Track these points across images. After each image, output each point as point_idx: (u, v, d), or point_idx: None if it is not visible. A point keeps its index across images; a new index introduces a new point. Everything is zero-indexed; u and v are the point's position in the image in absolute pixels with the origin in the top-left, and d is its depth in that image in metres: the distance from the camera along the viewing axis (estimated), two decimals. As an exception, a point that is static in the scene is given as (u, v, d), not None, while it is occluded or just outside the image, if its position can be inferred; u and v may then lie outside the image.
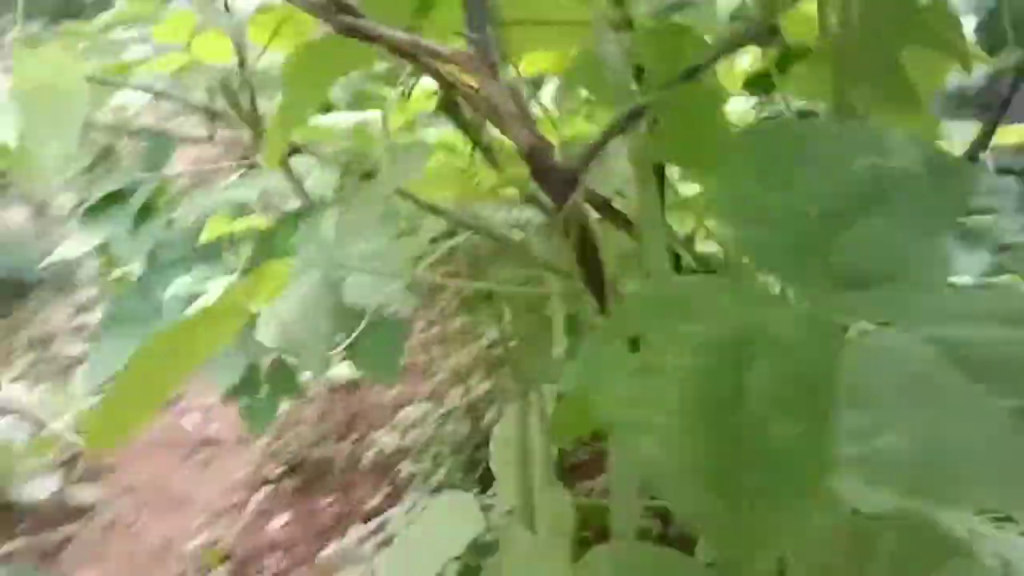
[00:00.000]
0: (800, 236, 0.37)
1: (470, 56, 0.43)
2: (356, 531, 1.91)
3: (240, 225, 1.07)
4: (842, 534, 0.41)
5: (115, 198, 1.35)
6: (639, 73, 0.50)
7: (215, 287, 0.97)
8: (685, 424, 0.34)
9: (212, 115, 0.98)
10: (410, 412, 2.42)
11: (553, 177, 0.44)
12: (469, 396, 2.38)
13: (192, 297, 1.12)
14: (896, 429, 0.28)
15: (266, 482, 2.31)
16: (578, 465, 2.09)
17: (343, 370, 2.32)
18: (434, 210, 1.06)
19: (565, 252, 0.44)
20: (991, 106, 0.52)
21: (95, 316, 3.49)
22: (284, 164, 0.88)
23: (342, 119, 1.03)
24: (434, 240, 1.32)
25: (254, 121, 0.85)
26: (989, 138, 0.50)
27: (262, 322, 0.47)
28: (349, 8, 0.41)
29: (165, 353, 0.50)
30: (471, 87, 0.44)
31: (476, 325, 2.48)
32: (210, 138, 1.33)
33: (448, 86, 0.45)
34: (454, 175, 1.10)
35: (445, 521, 0.56)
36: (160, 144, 1.35)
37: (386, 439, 2.34)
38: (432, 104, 0.67)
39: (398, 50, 0.42)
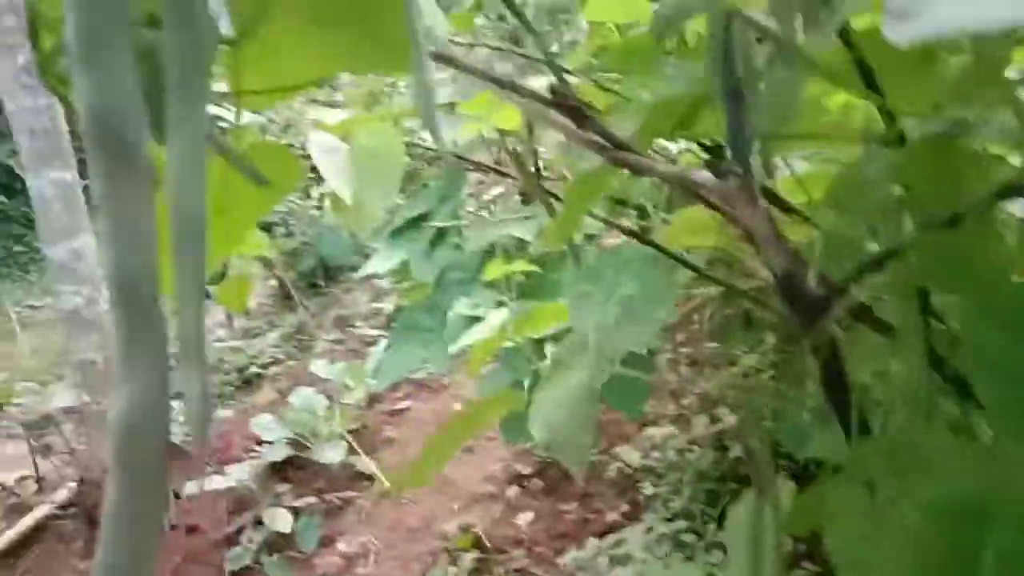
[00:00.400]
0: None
1: (731, 190, 0.47)
2: (594, 543, 1.99)
3: (516, 267, 1.19)
4: None
5: (416, 221, 1.55)
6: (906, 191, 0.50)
7: (493, 315, 1.09)
8: (912, 579, 0.36)
9: (497, 170, 1.10)
10: (654, 433, 2.45)
11: (804, 303, 0.47)
12: (716, 426, 2.36)
13: (471, 319, 1.26)
14: None
15: (517, 478, 2.48)
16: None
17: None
18: (684, 263, 1.09)
19: (811, 371, 0.46)
20: None
21: (388, 303, 3.97)
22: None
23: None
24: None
25: (532, 177, 0.94)
26: None
27: (533, 416, 0.54)
28: (623, 145, 0.47)
29: (460, 428, 0.61)
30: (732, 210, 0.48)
31: (730, 351, 2.44)
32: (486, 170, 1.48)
33: (712, 207, 0.49)
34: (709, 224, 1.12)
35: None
36: (454, 177, 1.52)
37: (629, 456, 2.39)
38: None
39: (668, 180, 0.47)
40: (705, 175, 0.47)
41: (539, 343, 1.20)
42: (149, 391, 0.19)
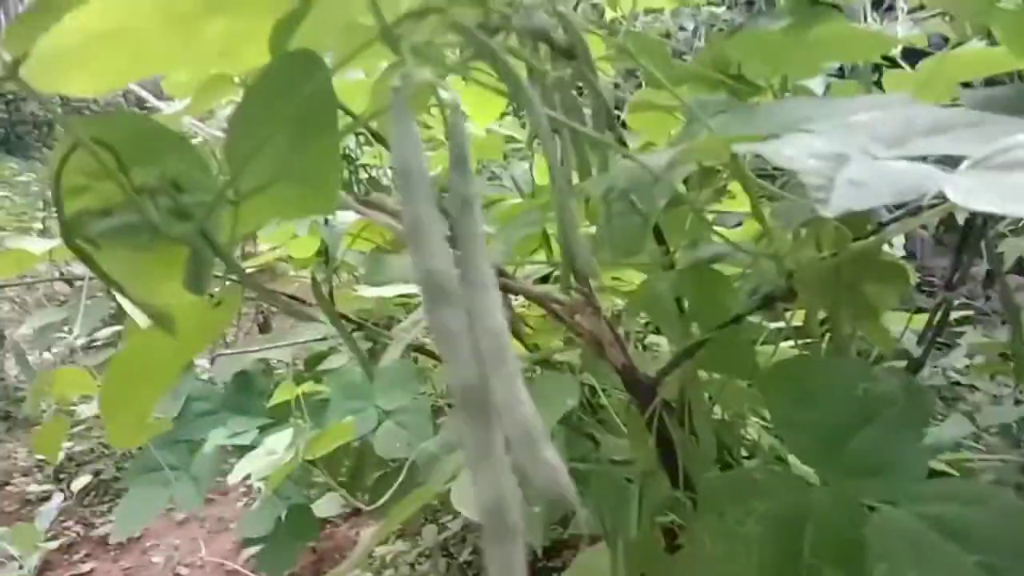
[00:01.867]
0: (824, 441, 0.54)
1: (581, 304, 0.61)
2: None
3: (305, 388, 1.21)
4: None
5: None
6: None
7: (272, 440, 1.09)
8: (763, 574, 0.50)
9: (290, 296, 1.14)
10: (384, 551, 2.46)
11: (639, 388, 0.62)
12: (443, 533, 2.45)
13: (240, 448, 1.23)
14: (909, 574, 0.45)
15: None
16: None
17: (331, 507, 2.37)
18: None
19: (648, 441, 0.61)
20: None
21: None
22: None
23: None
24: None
25: (329, 304, 1.00)
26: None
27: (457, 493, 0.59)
28: (501, 271, 0.58)
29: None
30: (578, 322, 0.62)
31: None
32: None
33: (562, 320, 0.62)
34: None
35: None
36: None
37: (361, 579, 2.36)
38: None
39: (532, 298, 0.60)
40: (564, 297, 0.61)
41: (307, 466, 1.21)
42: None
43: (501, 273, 0.57)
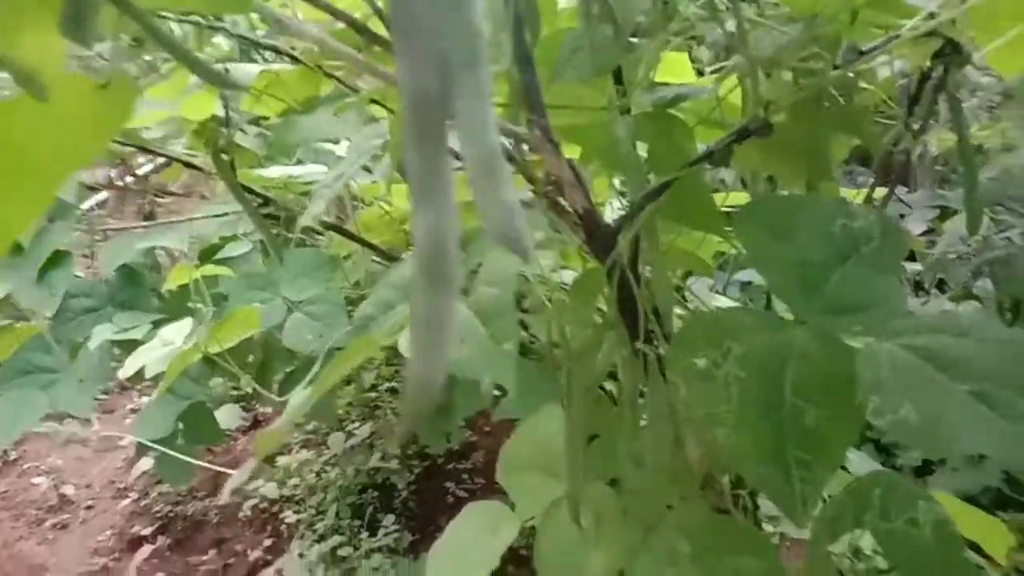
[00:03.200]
0: (803, 277, 0.51)
1: (539, 139, 0.53)
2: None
3: (207, 272, 1.09)
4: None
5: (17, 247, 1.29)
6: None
7: (169, 330, 0.99)
8: (744, 417, 0.46)
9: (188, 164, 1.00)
10: (289, 461, 2.39)
11: (600, 234, 0.56)
12: (351, 440, 2.39)
13: (130, 343, 1.12)
14: (904, 406, 0.42)
15: (137, 542, 2.18)
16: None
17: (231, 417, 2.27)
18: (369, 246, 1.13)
19: (609, 294, 0.56)
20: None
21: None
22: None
23: (294, 171, 1.08)
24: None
25: (228, 170, 0.89)
26: (888, 200, 0.68)
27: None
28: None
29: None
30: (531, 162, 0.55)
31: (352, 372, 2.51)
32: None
33: (513, 160, 0.55)
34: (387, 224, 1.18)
35: (480, 528, 0.63)
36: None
37: (265, 490, 2.29)
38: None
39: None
40: (521, 129, 0.54)
41: (210, 361, 1.11)
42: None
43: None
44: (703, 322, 0.50)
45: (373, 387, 2.52)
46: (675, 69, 0.72)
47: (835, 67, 0.55)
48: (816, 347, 0.48)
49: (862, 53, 0.56)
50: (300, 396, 0.52)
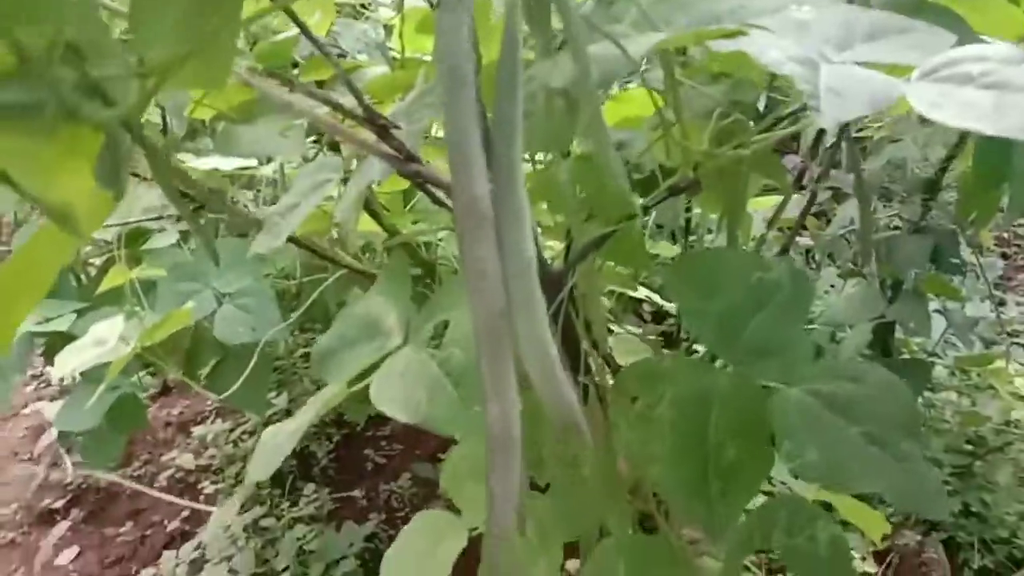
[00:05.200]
0: (724, 327, 0.58)
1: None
2: (170, 555, 1.87)
3: (143, 273, 1.08)
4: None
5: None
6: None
7: (102, 327, 0.98)
8: (675, 454, 0.53)
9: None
10: (204, 431, 2.38)
11: (547, 279, 0.61)
12: (269, 410, 2.39)
13: (59, 336, 1.10)
14: (809, 449, 0.50)
15: (48, 516, 2.14)
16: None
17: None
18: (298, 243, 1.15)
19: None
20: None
21: None
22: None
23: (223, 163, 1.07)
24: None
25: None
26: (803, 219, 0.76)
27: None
28: (413, 156, 0.54)
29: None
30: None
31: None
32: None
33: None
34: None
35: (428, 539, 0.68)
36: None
37: (181, 459, 2.28)
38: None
39: (445, 187, 0.56)
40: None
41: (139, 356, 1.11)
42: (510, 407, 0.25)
43: (410, 158, 0.53)
44: (641, 369, 0.56)
45: (290, 353, 2.52)
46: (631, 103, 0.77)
47: (758, 128, 0.62)
48: (735, 391, 0.55)
49: (780, 119, 0.62)
50: (271, 436, 0.56)
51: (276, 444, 0.53)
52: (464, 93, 0.25)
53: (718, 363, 0.57)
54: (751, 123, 0.65)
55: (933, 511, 0.49)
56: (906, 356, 1.88)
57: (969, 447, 1.81)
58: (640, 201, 0.62)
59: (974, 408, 1.88)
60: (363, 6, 1.37)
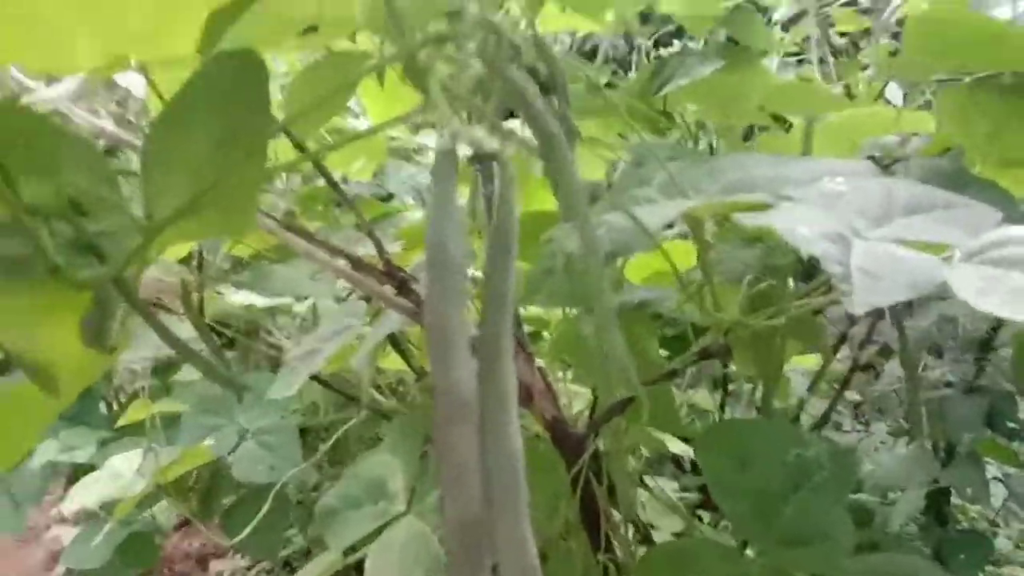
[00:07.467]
0: (758, 507, 0.53)
1: (515, 347, 0.56)
2: None
3: (162, 408, 1.08)
4: None
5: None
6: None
7: (118, 462, 0.96)
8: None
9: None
10: (221, 566, 2.29)
11: (568, 442, 0.58)
12: (289, 549, 2.31)
13: (79, 467, 1.09)
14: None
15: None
16: None
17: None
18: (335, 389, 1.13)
19: (572, 500, 0.57)
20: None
21: None
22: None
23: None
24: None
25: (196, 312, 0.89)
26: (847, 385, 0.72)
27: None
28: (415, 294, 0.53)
29: None
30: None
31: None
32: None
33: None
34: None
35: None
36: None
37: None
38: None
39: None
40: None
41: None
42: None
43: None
44: (667, 552, 0.52)
45: (314, 488, 2.46)
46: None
47: (796, 294, 0.59)
48: (768, 584, 0.50)
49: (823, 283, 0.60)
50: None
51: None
52: (448, 274, 0.23)
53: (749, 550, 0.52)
54: (789, 284, 0.63)
55: None
56: (964, 526, 1.75)
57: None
58: (671, 364, 0.59)
59: (1044, 590, 1.71)
60: (416, 150, 1.42)
